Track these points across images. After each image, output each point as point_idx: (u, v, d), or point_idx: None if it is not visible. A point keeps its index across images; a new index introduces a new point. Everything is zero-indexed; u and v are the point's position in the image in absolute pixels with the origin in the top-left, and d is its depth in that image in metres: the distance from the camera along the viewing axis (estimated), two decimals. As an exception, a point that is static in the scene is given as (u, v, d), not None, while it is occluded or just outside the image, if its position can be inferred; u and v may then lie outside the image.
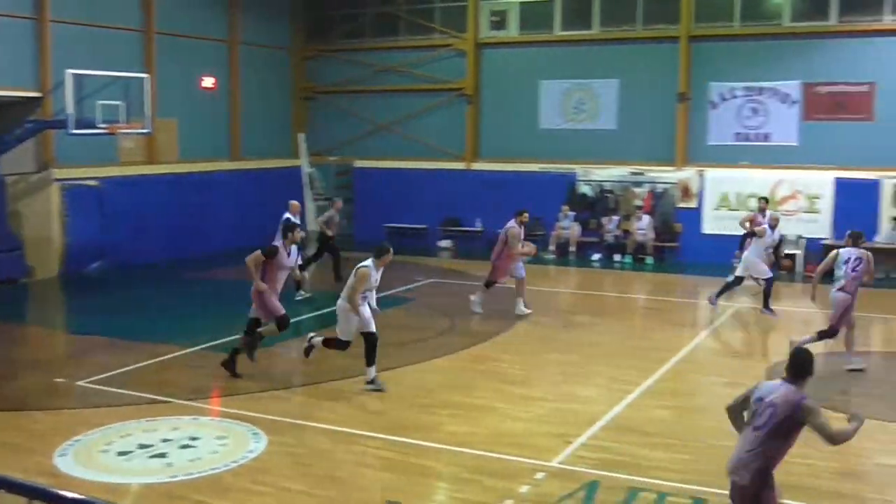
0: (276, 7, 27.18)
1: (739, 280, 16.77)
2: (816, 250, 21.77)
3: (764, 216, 17.42)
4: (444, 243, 25.53)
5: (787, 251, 21.88)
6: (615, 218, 23.75)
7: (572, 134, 24.88)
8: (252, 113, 25.94)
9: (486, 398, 11.07)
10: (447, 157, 26.23)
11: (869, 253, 12.85)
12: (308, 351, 11.84)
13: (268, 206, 20.49)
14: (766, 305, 16.48)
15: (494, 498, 8.12)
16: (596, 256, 23.47)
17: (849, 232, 13.06)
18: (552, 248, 23.66)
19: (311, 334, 12.08)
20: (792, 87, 22.70)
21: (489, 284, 16.27)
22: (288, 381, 12.28)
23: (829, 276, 12.94)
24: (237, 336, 12.33)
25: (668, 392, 11.76)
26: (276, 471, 8.73)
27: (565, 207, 23.97)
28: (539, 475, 8.63)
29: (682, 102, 23.53)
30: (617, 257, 23.34)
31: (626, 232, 23.52)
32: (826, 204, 22.22)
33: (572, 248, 23.78)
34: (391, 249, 11.46)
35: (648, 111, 23.96)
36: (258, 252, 11.77)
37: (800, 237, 22.16)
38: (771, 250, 16.88)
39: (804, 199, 22.45)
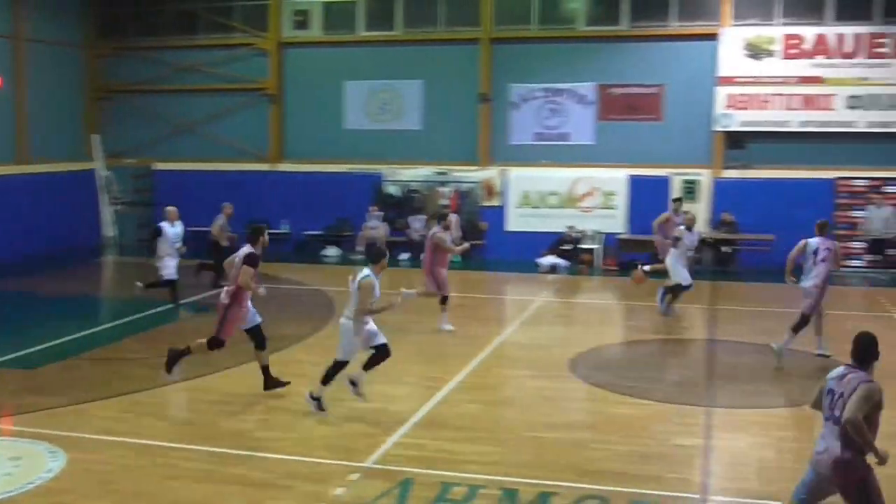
0: (65, 2, 25.86)
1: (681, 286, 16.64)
2: (613, 244, 22.81)
3: (678, 216, 17.82)
4: (250, 246, 24.98)
5: (585, 246, 22.83)
6: (422, 217, 23.99)
7: (378, 134, 24.97)
8: (41, 114, 24.51)
9: (297, 402, 10.90)
10: (251, 158, 25.75)
11: (836, 242, 13.50)
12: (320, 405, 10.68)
13: (60, 210, 19.46)
14: (663, 303, 16.64)
15: (308, 502, 8.01)
16: (404, 256, 23.62)
17: (817, 222, 13.59)
18: (360, 248, 23.62)
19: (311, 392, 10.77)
20: (588, 88, 23.64)
21: (445, 300, 15.52)
22: (89, 395, 11.67)
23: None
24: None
25: (477, 387, 11.96)
26: (77, 490, 8.27)
27: (373, 208, 24.01)
28: (353, 476, 8.58)
29: (485, 103, 24.06)
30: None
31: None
32: (621, 200, 23.29)
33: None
34: (387, 253, 10.79)
35: (452, 112, 24.37)
36: (247, 268, 10.82)
37: (598, 232, 23.09)
38: (691, 252, 17.03)
39: (601, 195, 23.43)
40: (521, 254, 22.76)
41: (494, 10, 24.04)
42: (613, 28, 23.47)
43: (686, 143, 23.04)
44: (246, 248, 11.02)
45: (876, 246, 22.08)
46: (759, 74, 22.52)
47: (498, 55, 24.14)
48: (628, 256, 22.59)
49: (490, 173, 24.09)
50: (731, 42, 22.61)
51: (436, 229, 15.51)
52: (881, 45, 22.07)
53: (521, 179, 23.88)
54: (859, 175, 22.44)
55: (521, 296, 19.67)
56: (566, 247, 22.79)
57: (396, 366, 12.83)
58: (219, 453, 9.23)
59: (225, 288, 11.20)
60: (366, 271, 10.32)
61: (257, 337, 11.30)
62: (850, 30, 22.18)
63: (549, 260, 22.35)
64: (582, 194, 23.55)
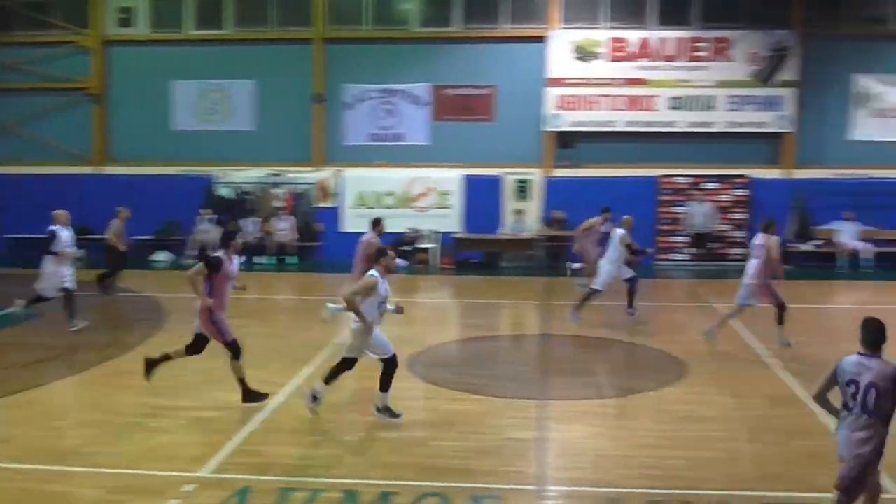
0: None
1: (633, 280, 16.40)
2: (450, 244, 23.04)
3: (603, 225, 17.64)
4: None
5: (422, 245, 22.99)
6: (256, 219, 23.57)
7: (208, 135, 24.39)
8: None
9: (128, 413, 10.47)
10: (75, 160, 24.66)
11: (774, 238, 13.76)
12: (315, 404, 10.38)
13: None
14: (630, 304, 16.51)
15: (140, 516, 7.71)
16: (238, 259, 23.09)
17: (764, 221, 14.09)
18: (191, 252, 23.00)
19: (312, 391, 10.50)
20: (422, 89, 23.81)
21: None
22: None
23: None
24: None
25: (315, 390, 11.81)
26: None
27: (204, 211, 23.41)
28: (188, 487, 8.30)
29: (319, 104, 23.87)
30: (259, 259, 23.16)
31: (268, 233, 23.43)
32: (456, 200, 23.56)
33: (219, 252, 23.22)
34: (391, 253, 10.35)
35: (285, 112, 24.07)
36: (200, 265, 10.56)
37: (434, 232, 23.28)
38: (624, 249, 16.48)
39: (436, 195, 23.63)
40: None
41: (327, 10, 23.88)
42: (446, 30, 23.74)
43: (518, 143, 23.55)
44: (217, 252, 10.95)
45: (698, 240, 23.16)
46: (587, 76, 23.26)
47: (331, 55, 23.99)
48: (464, 255, 22.89)
49: (325, 174, 23.92)
50: (560, 45, 23.25)
51: (369, 235, 14.88)
52: (700, 49, 23.19)
53: (357, 180, 23.81)
54: (681, 173, 23.49)
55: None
56: (406, 247, 22.88)
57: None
58: (43, 471, 8.75)
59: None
60: (371, 271, 10.12)
61: (198, 344, 10.95)
62: (671, 34, 23.19)
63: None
64: (417, 194, 23.71)
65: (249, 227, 23.46)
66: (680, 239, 23.52)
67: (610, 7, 23.49)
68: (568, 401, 11.29)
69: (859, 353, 6.70)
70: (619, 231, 15.92)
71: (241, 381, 10.91)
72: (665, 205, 23.50)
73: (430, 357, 13.54)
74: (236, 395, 11.34)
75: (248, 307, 18.39)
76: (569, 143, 23.57)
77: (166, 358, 11.10)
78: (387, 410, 10.26)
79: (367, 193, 23.80)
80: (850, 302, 16.80)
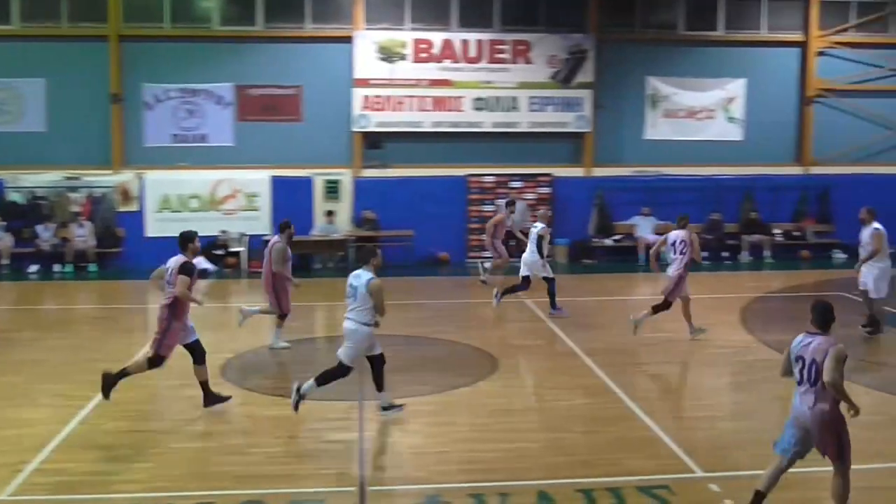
0: None
1: (527, 281, 16.87)
2: (258, 247, 22.58)
3: (510, 221, 18.82)
4: None
5: (231, 249, 22.49)
6: (51, 226, 22.36)
7: (-4, 137, 22.92)
8: None
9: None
10: None
11: (693, 234, 14.39)
12: (298, 404, 10.31)
13: None
14: (553, 305, 16.52)
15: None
16: (33, 268, 21.89)
17: (678, 216, 14.82)
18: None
19: (298, 384, 10.39)
20: (225, 89, 23.27)
21: (283, 317, 14.13)
22: None
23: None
24: None
25: (120, 402, 11.21)
26: None
27: (-6, 217, 22.03)
28: (-15, 512, 7.79)
29: (116, 103, 22.91)
30: (57, 267, 21.99)
31: (65, 240, 22.26)
32: (264, 201, 23.17)
33: (5, 261, 21.93)
34: (378, 252, 10.38)
35: (80, 112, 22.91)
36: (183, 277, 10.30)
37: (242, 235, 22.80)
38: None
39: (243, 197, 23.17)
40: (163, 260, 21.77)
41: (122, 6, 22.90)
42: (249, 28, 23.28)
43: (326, 143, 23.40)
44: (178, 258, 10.54)
45: (509, 237, 23.62)
46: (393, 77, 23.38)
47: (128, 53, 23.06)
48: (274, 258, 22.53)
49: (125, 177, 22.96)
50: (365, 45, 23.26)
51: (276, 238, 14.12)
52: (501, 52, 23.75)
53: (160, 183, 22.98)
54: (487, 172, 24.00)
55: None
56: (218, 251, 22.30)
57: (31, 386, 11.89)
58: None
59: (161, 303, 10.37)
60: (368, 274, 10.22)
61: (196, 352, 10.56)
62: (473, 36, 23.65)
63: (200, 264, 21.70)
64: (224, 197, 23.15)
65: (44, 234, 22.23)
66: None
67: (413, 9, 23.71)
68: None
69: (806, 332, 7.53)
70: (539, 225, 16.80)
71: (116, 377, 10.60)
72: (474, 204, 23.94)
73: (245, 362, 13.27)
74: (36, 410, 10.76)
75: (46, 318, 17.47)
76: (377, 144, 23.61)
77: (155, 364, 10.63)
78: (391, 407, 10.54)
79: (171, 197, 23.01)
80: (651, 293, 17.60)
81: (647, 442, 9.78)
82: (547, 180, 24.17)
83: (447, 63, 23.64)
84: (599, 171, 24.38)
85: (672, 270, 14.56)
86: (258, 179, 23.12)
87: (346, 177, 23.53)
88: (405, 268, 20.84)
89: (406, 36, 23.52)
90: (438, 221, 23.36)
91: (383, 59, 23.40)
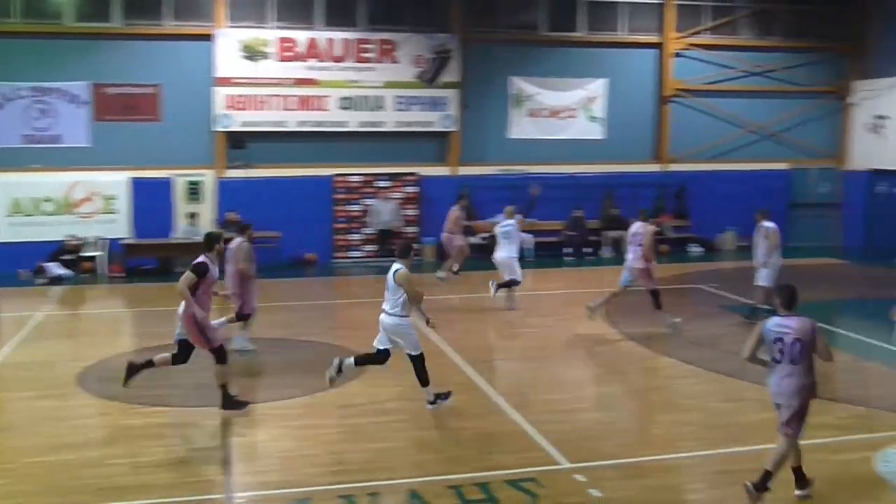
0: None
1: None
2: (119, 250, 21.92)
3: (466, 217, 19.76)
4: None
5: (87, 253, 21.74)
6: None
7: None
8: None
9: None
10: None
11: (650, 227, 14.62)
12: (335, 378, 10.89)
13: None
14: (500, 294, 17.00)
15: None
16: None
17: (639, 209, 15.40)
18: None
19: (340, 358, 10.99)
20: (80, 87, 22.42)
21: (244, 318, 13.65)
22: None
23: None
24: None
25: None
26: None
27: None
28: None
29: (-38, 103, 21.80)
30: None
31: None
32: (123, 204, 22.46)
33: None
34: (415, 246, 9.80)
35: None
36: (190, 273, 10.24)
37: (100, 238, 22.05)
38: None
39: (101, 200, 22.40)
40: (15, 266, 20.97)
41: (-34, 0, 21.81)
42: (105, 25, 22.46)
43: (187, 143, 22.83)
44: (200, 258, 10.54)
45: (382, 236, 23.68)
46: (256, 76, 23.01)
47: (-26, 50, 21.98)
48: (135, 262, 21.89)
49: (-27, 180, 21.88)
50: (227, 43, 22.81)
51: (240, 239, 13.62)
52: (367, 51, 23.68)
53: (10, 185, 21.98)
54: (354, 172, 23.90)
55: (17, 311, 17.95)
56: (68, 256, 21.47)
57: None
58: None
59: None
60: (398, 265, 10.45)
61: (184, 352, 10.69)
62: (338, 35, 23.49)
63: (54, 270, 20.89)
64: (80, 199, 22.32)
65: None
66: (357, 237, 23.93)
67: (277, 7, 23.38)
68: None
69: (779, 315, 7.87)
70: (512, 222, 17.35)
71: (223, 388, 10.61)
72: (340, 203, 23.79)
73: (103, 371, 12.78)
74: None
75: None
76: (241, 144, 23.15)
77: (149, 364, 10.73)
78: (439, 397, 10.79)
79: (23, 200, 22.01)
80: (520, 290, 17.90)
81: (514, 436, 9.92)
82: (413, 179, 24.24)
83: (312, 62, 23.41)
84: (465, 170, 24.60)
85: (634, 262, 14.88)
86: (116, 181, 22.38)
87: (208, 178, 23.03)
88: (273, 270, 20.52)
89: (270, 34, 23.18)
90: (305, 222, 23.14)
91: (247, 58, 23.00)
